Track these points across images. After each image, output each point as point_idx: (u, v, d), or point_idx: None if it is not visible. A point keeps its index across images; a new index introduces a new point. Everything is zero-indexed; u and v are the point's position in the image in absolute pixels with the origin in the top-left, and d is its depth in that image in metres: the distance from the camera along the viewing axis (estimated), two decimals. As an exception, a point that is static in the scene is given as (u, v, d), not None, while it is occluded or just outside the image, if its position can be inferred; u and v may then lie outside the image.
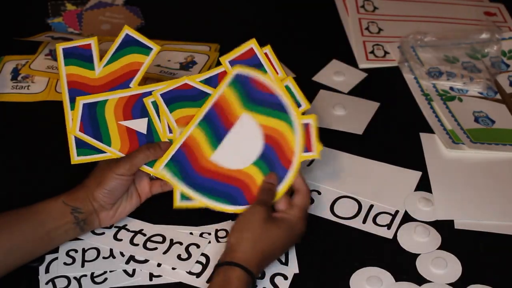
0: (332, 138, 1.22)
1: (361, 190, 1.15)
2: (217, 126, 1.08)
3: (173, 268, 1.04)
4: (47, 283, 1.02)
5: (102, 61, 1.10)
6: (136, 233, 1.08)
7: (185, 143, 1.08)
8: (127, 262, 1.05)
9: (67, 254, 1.05)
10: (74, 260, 1.05)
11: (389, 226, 1.10)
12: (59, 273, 1.03)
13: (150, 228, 1.09)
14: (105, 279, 1.03)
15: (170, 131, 1.09)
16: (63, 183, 1.07)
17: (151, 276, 1.03)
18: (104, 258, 1.05)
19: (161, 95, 1.08)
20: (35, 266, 1.04)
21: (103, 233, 1.08)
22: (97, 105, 1.09)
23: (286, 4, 1.53)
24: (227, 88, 1.08)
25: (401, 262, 1.05)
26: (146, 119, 1.10)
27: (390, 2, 1.52)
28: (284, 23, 1.50)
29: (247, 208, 1.04)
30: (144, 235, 1.08)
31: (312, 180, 1.15)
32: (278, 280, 1.03)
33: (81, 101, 1.09)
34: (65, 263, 1.04)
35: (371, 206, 1.13)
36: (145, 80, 1.28)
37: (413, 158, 1.20)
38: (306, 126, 1.07)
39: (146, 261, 1.05)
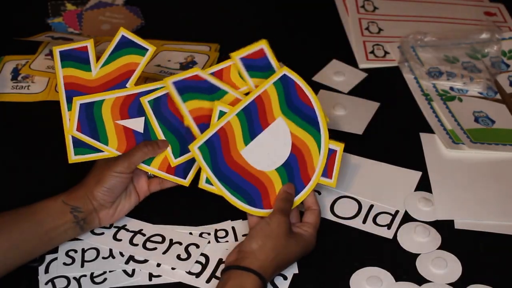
0: (332, 138, 1.22)
1: (361, 190, 1.15)
2: (254, 122, 1.08)
3: (173, 268, 1.04)
4: (46, 283, 1.02)
5: (98, 62, 1.10)
6: (135, 233, 1.08)
7: (223, 128, 1.06)
8: (127, 262, 1.05)
9: (67, 254, 1.05)
10: (73, 260, 1.05)
11: (389, 226, 1.10)
12: (59, 273, 1.03)
13: (149, 228, 1.09)
14: (105, 279, 1.03)
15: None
16: (63, 183, 1.07)
17: (151, 276, 1.03)
18: (103, 258, 1.05)
19: (174, 83, 1.08)
20: (35, 266, 1.04)
21: (103, 233, 1.08)
22: (94, 105, 1.09)
23: (286, 4, 1.53)
24: (271, 85, 1.08)
25: (401, 262, 1.05)
26: (143, 118, 1.10)
27: (390, 2, 1.52)
28: (284, 23, 1.50)
29: (271, 216, 1.03)
30: (144, 235, 1.08)
31: (312, 180, 1.15)
32: (278, 280, 1.02)
33: (78, 101, 1.09)
34: (64, 263, 1.04)
35: (371, 206, 1.12)
36: (145, 80, 1.28)
37: (413, 158, 1.20)
38: (333, 152, 1.09)
39: (145, 261, 1.05)
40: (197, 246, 1.06)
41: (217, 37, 1.41)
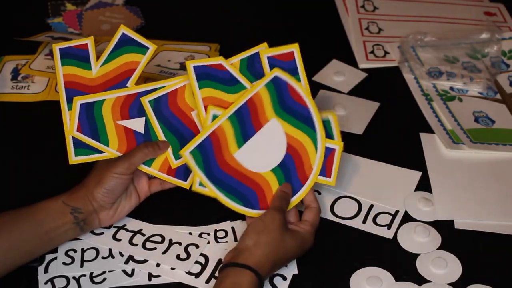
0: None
1: (361, 190, 1.15)
2: (246, 124, 1.08)
3: (172, 268, 1.04)
4: (46, 283, 1.02)
5: (99, 61, 1.10)
6: (135, 233, 1.08)
7: (214, 132, 1.07)
8: (126, 262, 1.05)
9: (66, 254, 1.05)
10: (73, 260, 1.05)
11: (389, 226, 1.10)
12: (58, 273, 1.03)
13: (149, 228, 1.09)
14: (104, 279, 1.03)
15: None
16: (63, 183, 1.07)
17: (150, 276, 1.03)
18: (103, 258, 1.05)
19: (194, 67, 1.07)
20: (35, 266, 1.04)
21: (102, 233, 1.08)
22: (94, 105, 1.09)
23: (286, 4, 1.53)
24: (263, 87, 1.08)
25: (401, 262, 1.05)
26: (144, 118, 1.09)
27: (390, 2, 1.52)
28: (284, 23, 1.50)
29: (265, 213, 1.03)
30: (143, 235, 1.08)
31: (312, 180, 1.15)
32: (278, 281, 1.02)
33: (78, 101, 1.09)
34: (64, 263, 1.04)
35: (371, 206, 1.12)
36: (145, 80, 1.28)
37: (413, 158, 1.20)
38: (331, 151, 1.09)
39: (145, 261, 1.05)
40: (197, 246, 1.06)
41: (217, 37, 1.41)
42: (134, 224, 1.09)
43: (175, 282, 1.03)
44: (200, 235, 1.08)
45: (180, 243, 1.07)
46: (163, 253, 1.05)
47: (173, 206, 1.13)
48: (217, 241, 1.07)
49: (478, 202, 1.13)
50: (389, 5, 1.52)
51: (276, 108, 1.08)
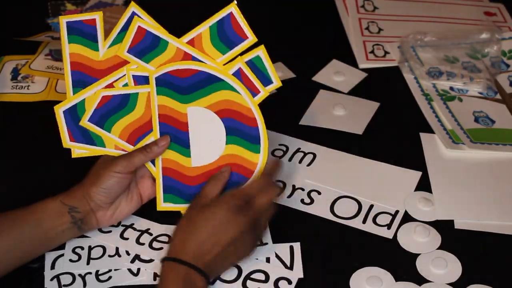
0: (332, 138, 1.22)
1: (361, 190, 1.14)
2: (177, 135, 1.07)
3: (176, 268, 1.04)
4: (52, 279, 1.02)
5: (106, 40, 1.06)
6: (142, 232, 1.08)
7: (164, 168, 1.07)
8: (132, 261, 1.04)
9: (73, 251, 1.05)
10: (79, 257, 1.05)
11: (389, 226, 1.10)
12: (64, 270, 1.03)
13: (156, 228, 1.09)
14: (110, 277, 1.03)
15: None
16: (63, 183, 1.07)
17: (156, 275, 1.03)
18: (109, 256, 1.05)
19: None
20: (34, 267, 1.04)
21: (110, 231, 1.08)
22: (77, 108, 1.07)
23: (286, 4, 1.53)
24: (158, 96, 1.06)
25: (401, 262, 1.05)
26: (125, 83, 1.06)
27: (390, 2, 1.52)
28: (284, 23, 1.50)
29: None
30: (151, 234, 1.08)
31: (312, 180, 1.15)
32: (282, 284, 1.01)
33: (59, 109, 1.06)
34: (70, 260, 1.04)
35: (371, 206, 1.12)
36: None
37: (413, 158, 1.19)
38: (239, 71, 1.06)
39: (151, 260, 1.04)
40: (201, 247, 1.06)
41: (217, 37, 1.41)
42: (142, 223, 1.09)
43: (177, 282, 1.03)
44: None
45: (185, 243, 1.06)
46: (169, 253, 1.05)
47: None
48: (220, 242, 1.07)
49: (478, 202, 1.13)
50: (389, 5, 1.52)
51: (180, 98, 1.06)
